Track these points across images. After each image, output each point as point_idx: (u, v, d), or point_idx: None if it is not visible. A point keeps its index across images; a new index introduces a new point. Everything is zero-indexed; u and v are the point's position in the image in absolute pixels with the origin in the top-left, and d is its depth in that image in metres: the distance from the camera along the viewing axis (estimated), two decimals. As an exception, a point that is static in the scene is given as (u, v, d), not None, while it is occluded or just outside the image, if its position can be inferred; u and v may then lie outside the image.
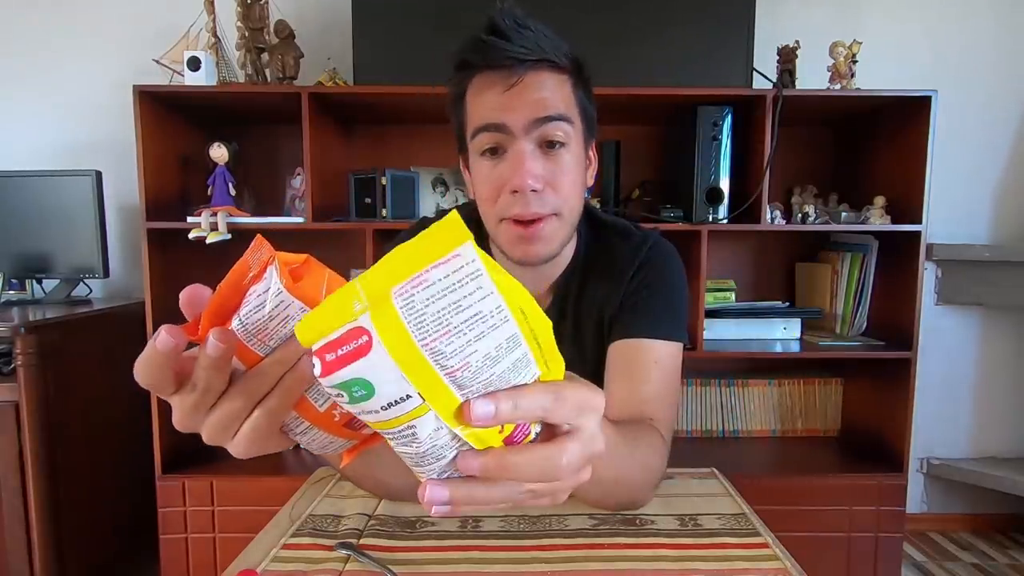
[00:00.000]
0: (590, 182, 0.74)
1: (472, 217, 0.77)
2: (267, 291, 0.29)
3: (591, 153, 0.74)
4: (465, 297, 0.23)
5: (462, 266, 0.23)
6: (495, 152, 0.66)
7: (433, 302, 0.23)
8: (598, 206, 1.65)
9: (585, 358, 0.78)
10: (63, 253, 1.65)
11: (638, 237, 0.79)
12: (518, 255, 0.69)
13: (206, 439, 0.33)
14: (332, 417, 0.32)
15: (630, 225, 0.81)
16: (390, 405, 0.25)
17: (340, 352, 0.24)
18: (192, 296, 0.31)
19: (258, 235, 0.32)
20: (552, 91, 0.65)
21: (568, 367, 0.66)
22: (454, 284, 0.23)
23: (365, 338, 0.24)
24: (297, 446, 0.35)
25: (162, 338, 0.29)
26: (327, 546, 0.60)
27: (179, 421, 0.32)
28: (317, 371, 0.25)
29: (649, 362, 0.71)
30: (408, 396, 0.25)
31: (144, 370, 0.30)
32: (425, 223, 0.80)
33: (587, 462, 0.32)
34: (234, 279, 0.30)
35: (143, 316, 1.49)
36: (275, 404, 0.32)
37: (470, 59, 0.65)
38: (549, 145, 0.65)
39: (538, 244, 0.67)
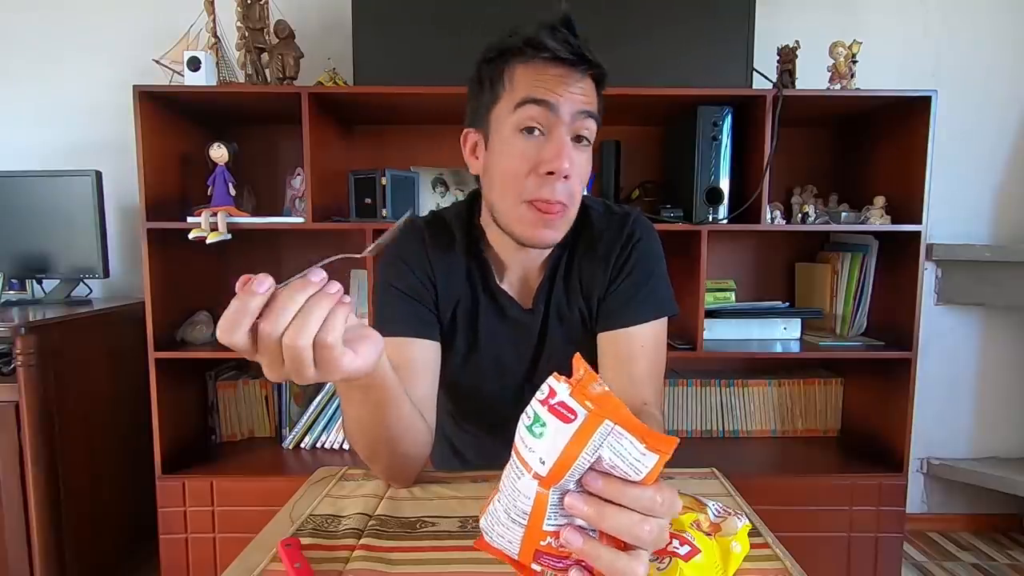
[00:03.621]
0: None
1: (464, 212, 0.82)
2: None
3: None
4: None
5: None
6: (532, 132, 0.67)
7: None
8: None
9: (572, 334, 0.82)
10: (63, 253, 1.65)
11: (619, 215, 0.82)
12: (532, 236, 0.71)
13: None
14: (541, 537, 0.39)
15: (611, 203, 0.85)
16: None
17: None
18: None
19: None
20: (592, 94, 0.70)
21: (556, 342, 0.87)
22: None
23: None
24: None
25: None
26: (327, 546, 0.60)
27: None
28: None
29: (636, 348, 0.75)
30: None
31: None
32: (413, 223, 0.85)
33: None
34: None
35: (143, 316, 1.48)
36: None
37: (543, 41, 0.66)
38: (577, 140, 0.69)
39: (553, 230, 0.70)
